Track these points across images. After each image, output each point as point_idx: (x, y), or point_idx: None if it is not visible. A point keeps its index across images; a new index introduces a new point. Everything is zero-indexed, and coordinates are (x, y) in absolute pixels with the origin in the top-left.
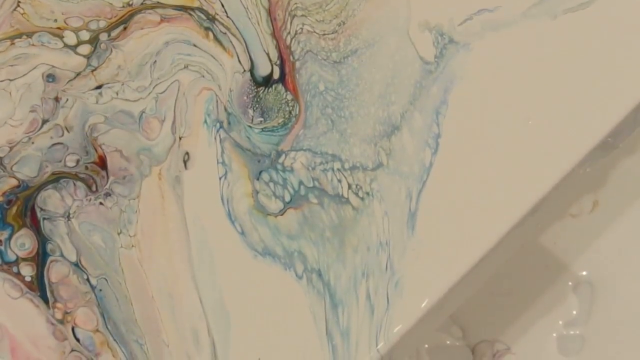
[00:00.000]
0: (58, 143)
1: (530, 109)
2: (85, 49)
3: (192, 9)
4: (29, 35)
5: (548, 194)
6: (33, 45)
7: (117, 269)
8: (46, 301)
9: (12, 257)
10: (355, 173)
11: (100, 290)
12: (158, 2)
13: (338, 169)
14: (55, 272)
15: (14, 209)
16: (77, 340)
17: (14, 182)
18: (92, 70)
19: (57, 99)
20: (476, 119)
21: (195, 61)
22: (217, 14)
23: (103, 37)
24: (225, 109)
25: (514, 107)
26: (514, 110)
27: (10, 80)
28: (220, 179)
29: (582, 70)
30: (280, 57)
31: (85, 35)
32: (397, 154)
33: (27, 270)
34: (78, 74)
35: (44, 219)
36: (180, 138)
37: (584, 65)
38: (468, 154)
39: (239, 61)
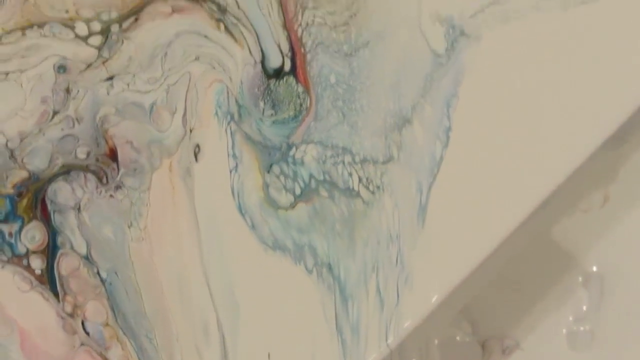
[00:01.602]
0: (69, 134)
1: (540, 102)
2: (96, 39)
3: None
4: (40, 25)
5: (558, 188)
6: (44, 35)
7: (127, 262)
8: (56, 294)
9: (23, 250)
10: (366, 166)
11: (111, 283)
12: None
13: (349, 162)
14: (66, 264)
15: (25, 201)
16: (87, 333)
17: (24, 173)
18: (103, 62)
19: (68, 90)
20: (486, 112)
21: (206, 52)
22: (229, 5)
23: (114, 28)
24: (236, 101)
25: (524, 100)
26: (524, 104)
27: (22, 71)
28: (231, 171)
29: (593, 63)
30: (292, 48)
31: (96, 26)
32: (408, 147)
33: (37, 263)
34: (89, 65)
35: (54, 211)
36: (191, 130)
37: (595, 58)
38: (478, 148)
39: (250, 53)
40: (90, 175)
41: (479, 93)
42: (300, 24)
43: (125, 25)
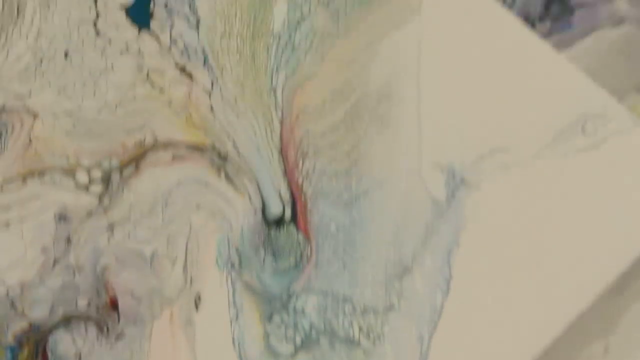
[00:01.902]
0: (69, 284)
1: (540, 251)
2: (97, 188)
3: (205, 148)
4: (41, 173)
5: (557, 339)
6: (44, 184)
7: None
8: None
9: None
10: (366, 316)
11: None
12: (170, 141)
13: (349, 312)
14: None
15: (26, 351)
16: None
17: (25, 324)
18: (104, 210)
19: (68, 240)
20: (487, 261)
21: (207, 201)
22: (229, 153)
23: (115, 176)
24: (237, 250)
25: (525, 249)
26: (525, 253)
27: (22, 220)
28: (231, 321)
29: (593, 211)
30: (292, 197)
31: (97, 174)
32: (409, 296)
33: None
34: (90, 214)
35: None
36: (191, 279)
37: (595, 207)
38: (479, 297)
39: (251, 201)
40: (91, 325)
41: (480, 242)
42: (301, 172)
43: (126, 173)
